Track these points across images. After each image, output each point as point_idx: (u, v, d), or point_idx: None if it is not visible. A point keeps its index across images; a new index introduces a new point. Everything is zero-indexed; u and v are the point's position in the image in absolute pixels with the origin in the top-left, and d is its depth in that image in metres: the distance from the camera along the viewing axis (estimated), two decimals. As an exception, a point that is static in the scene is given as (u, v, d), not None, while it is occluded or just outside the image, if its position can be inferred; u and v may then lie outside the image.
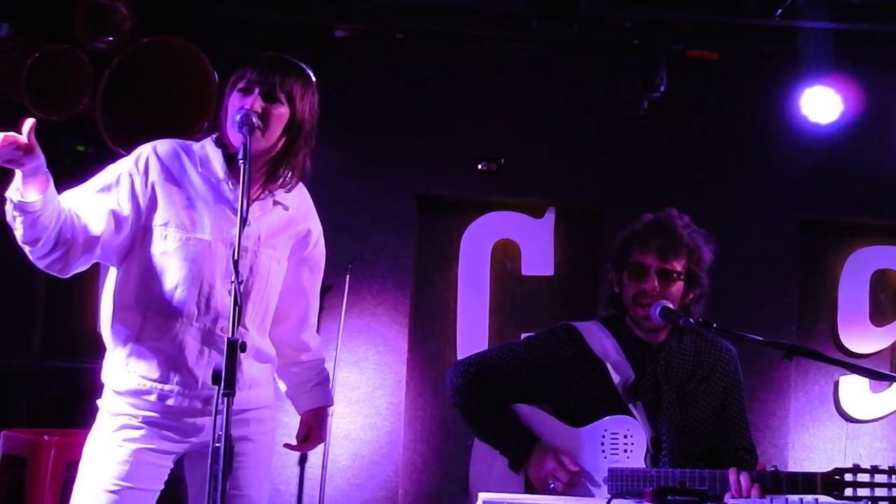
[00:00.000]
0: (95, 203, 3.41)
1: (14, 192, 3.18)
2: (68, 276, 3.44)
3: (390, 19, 6.63)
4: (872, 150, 6.68)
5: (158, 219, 3.48)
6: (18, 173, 3.17)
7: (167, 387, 3.47)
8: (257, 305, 3.60)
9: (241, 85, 3.50)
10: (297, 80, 3.55)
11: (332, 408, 6.30)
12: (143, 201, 3.47)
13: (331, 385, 5.93)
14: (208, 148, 3.58)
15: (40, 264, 3.35)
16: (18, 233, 3.24)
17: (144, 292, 3.48)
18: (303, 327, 3.88)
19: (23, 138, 3.11)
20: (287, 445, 3.96)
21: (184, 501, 3.70)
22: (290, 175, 3.60)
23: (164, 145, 3.57)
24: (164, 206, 3.48)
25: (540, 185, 6.86)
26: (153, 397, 3.46)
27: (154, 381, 3.46)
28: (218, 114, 3.62)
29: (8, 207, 3.22)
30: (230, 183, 3.53)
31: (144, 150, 3.54)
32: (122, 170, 3.49)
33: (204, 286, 3.48)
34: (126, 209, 3.45)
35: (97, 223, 3.38)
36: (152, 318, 3.48)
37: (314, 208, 3.81)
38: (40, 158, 3.17)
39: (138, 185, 3.47)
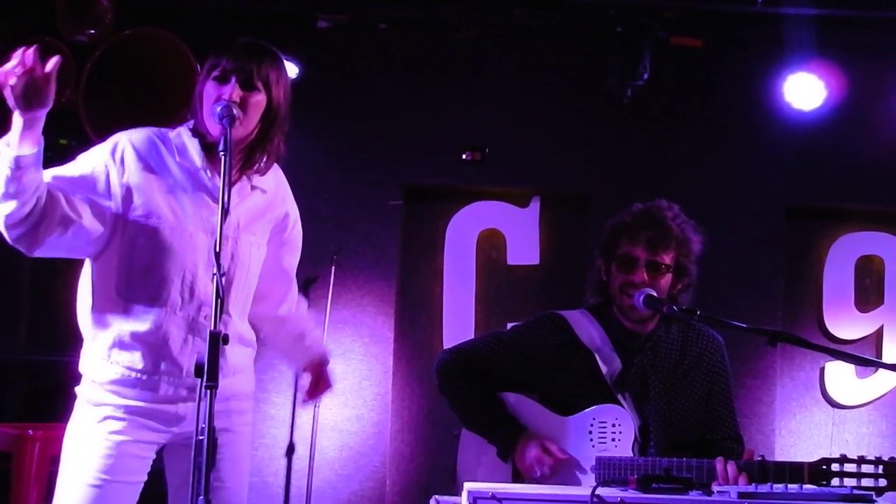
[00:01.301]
0: (72, 188, 3.36)
1: (3, 143, 3.14)
2: (34, 253, 3.34)
3: (374, 9, 6.62)
4: (856, 135, 6.69)
5: (138, 210, 3.43)
6: (17, 123, 3.12)
7: (155, 377, 3.45)
8: (239, 292, 3.59)
9: (216, 73, 3.46)
10: (271, 66, 3.53)
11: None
12: (120, 192, 3.42)
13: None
14: (185, 137, 3.54)
15: (11, 234, 3.25)
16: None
17: (126, 283, 3.45)
18: (281, 304, 3.88)
19: (45, 67, 3.09)
20: (305, 398, 4.00)
21: (164, 494, 3.69)
22: (265, 160, 3.59)
23: (139, 134, 3.52)
24: (143, 196, 3.44)
25: (525, 173, 6.86)
26: (138, 387, 3.44)
27: (139, 371, 3.44)
28: (197, 101, 3.55)
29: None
30: (208, 171, 3.52)
31: (120, 141, 3.48)
32: (97, 160, 3.44)
33: (186, 275, 3.46)
34: (103, 201, 3.41)
35: (73, 206, 3.33)
36: (135, 309, 3.44)
37: (290, 191, 3.80)
38: (46, 109, 3.13)
39: (114, 177, 3.42)
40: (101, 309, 3.47)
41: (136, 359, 3.44)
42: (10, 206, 3.19)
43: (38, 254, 3.36)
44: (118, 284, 3.45)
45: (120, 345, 3.44)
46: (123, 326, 3.44)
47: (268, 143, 3.56)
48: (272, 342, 3.93)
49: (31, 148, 3.14)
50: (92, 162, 3.44)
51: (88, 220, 3.38)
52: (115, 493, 3.42)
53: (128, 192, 3.43)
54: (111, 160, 3.44)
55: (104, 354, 3.46)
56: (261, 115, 3.51)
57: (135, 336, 3.44)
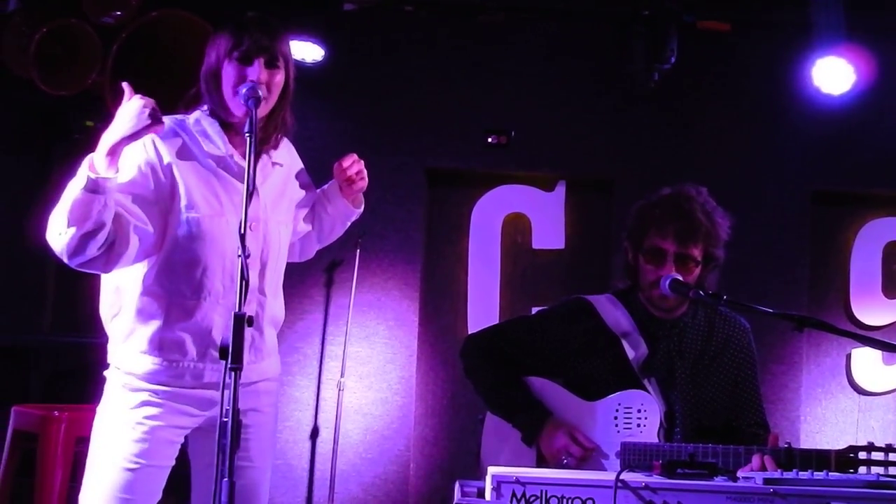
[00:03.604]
0: (125, 196, 3.34)
1: (91, 169, 3.17)
2: (111, 271, 3.37)
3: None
4: (885, 120, 6.64)
5: (179, 202, 3.42)
6: (103, 156, 3.17)
7: (200, 364, 3.47)
8: (272, 272, 3.61)
9: (237, 54, 3.44)
10: (285, 41, 3.53)
11: (343, 380, 6.38)
12: (167, 184, 3.42)
13: (342, 360, 5.93)
14: (204, 123, 3.53)
15: (86, 256, 3.26)
16: (87, 220, 3.17)
17: (168, 278, 3.44)
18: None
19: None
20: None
21: (186, 475, 3.69)
22: (278, 136, 3.62)
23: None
24: (181, 188, 3.43)
25: (550, 157, 6.83)
26: (185, 375, 3.46)
27: (186, 361, 3.45)
28: (212, 82, 3.53)
29: (75, 191, 3.17)
30: (235, 156, 3.51)
31: (146, 137, 3.40)
32: (137, 161, 3.40)
33: (227, 264, 3.46)
34: (156, 198, 3.40)
35: (135, 214, 3.34)
36: (179, 303, 3.45)
37: (298, 157, 3.84)
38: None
39: (159, 171, 3.41)
40: (143, 305, 3.46)
41: (182, 350, 3.45)
42: (98, 233, 3.21)
43: (115, 270, 3.37)
44: (161, 279, 3.45)
45: (164, 338, 3.44)
46: (168, 320, 3.44)
47: (279, 117, 3.57)
48: (315, 220, 3.97)
49: (115, 172, 3.21)
50: (133, 165, 3.40)
51: (146, 222, 3.38)
52: (147, 477, 3.43)
53: (172, 185, 3.42)
54: (149, 156, 3.42)
55: (145, 349, 3.45)
56: (280, 94, 3.52)
57: (180, 328, 3.45)
